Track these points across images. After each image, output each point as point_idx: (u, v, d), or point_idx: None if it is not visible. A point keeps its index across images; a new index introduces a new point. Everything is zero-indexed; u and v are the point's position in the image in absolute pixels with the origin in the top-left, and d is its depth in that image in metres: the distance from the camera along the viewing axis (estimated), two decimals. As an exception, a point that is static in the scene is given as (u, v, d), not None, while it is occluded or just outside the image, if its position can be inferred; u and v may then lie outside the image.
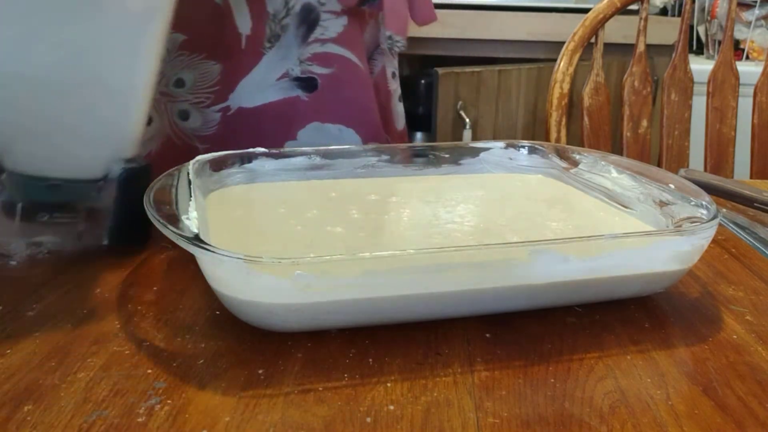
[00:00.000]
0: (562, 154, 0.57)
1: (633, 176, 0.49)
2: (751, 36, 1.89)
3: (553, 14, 1.61)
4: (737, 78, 1.11)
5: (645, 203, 0.46)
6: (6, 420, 0.29)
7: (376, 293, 0.34)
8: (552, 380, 0.32)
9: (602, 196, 0.50)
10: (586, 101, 1.07)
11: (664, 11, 1.86)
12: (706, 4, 1.94)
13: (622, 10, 1.05)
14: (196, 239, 0.34)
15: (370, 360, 0.34)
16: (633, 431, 0.29)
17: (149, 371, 0.32)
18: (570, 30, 1.05)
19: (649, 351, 0.35)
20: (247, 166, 0.53)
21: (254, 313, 0.35)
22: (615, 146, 1.11)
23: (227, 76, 0.66)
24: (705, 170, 1.09)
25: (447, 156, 0.57)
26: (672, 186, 0.46)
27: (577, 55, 1.04)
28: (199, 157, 0.50)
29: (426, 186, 0.55)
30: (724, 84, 1.11)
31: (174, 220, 0.37)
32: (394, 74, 0.80)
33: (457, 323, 0.37)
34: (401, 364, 0.33)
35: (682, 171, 0.63)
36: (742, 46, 1.90)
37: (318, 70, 0.68)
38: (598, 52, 1.06)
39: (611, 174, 0.51)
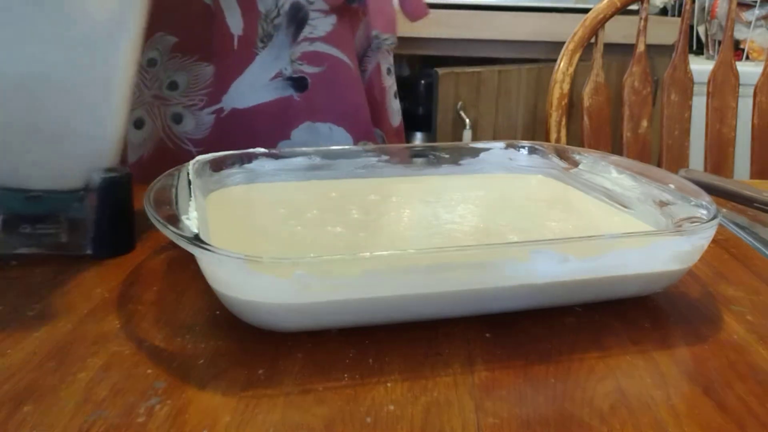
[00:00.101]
0: (562, 155, 0.57)
1: (633, 176, 0.49)
2: (751, 36, 1.89)
3: (553, 14, 1.61)
4: (737, 78, 1.11)
5: (645, 203, 0.46)
6: (6, 420, 0.29)
7: (376, 293, 0.34)
8: (552, 380, 0.32)
9: (602, 196, 0.50)
10: (586, 101, 1.07)
11: (664, 11, 1.86)
12: (706, 4, 1.94)
13: (622, 10, 1.05)
14: (196, 239, 0.34)
15: (370, 360, 0.34)
16: (633, 431, 0.29)
17: (149, 371, 0.32)
18: (570, 30, 1.05)
19: (649, 351, 0.35)
20: (247, 166, 0.53)
21: (254, 313, 0.35)
22: (615, 146, 1.11)
23: (220, 77, 0.66)
24: (705, 170, 1.10)
25: (447, 156, 0.57)
26: (672, 186, 0.46)
27: (577, 55, 1.04)
28: (199, 158, 0.50)
29: (426, 186, 0.55)
30: (724, 84, 1.11)
31: (174, 220, 0.37)
32: (389, 70, 0.80)
33: (457, 323, 0.37)
34: (401, 364, 0.33)
35: (682, 171, 0.63)
36: (742, 46, 1.90)
37: (308, 69, 0.68)
38: (598, 52, 1.06)
39: (611, 174, 0.51)
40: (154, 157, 0.67)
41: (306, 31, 0.68)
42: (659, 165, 1.09)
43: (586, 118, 1.07)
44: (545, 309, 0.39)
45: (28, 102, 0.42)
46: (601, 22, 1.04)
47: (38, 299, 0.40)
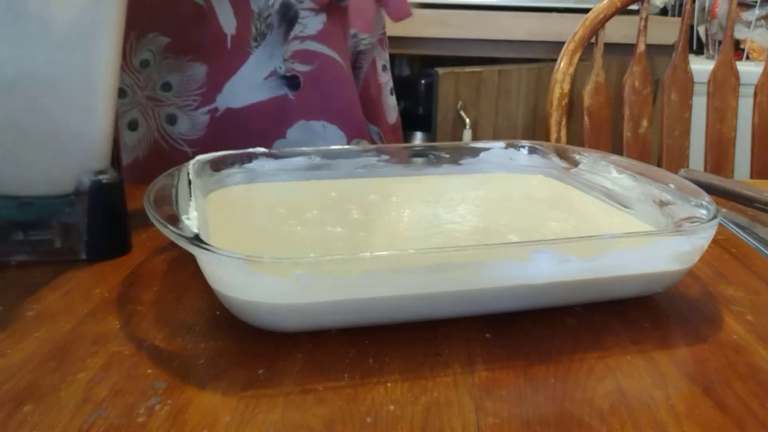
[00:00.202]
0: (562, 154, 0.57)
1: (633, 176, 0.49)
2: (751, 36, 1.88)
3: (553, 14, 1.61)
4: (737, 78, 1.11)
5: (645, 203, 0.46)
6: (6, 420, 0.29)
7: (376, 293, 0.34)
8: (552, 380, 0.32)
9: (602, 196, 0.50)
10: (587, 101, 1.07)
11: (664, 11, 1.85)
12: (706, 4, 1.93)
13: (622, 10, 1.05)
14: (196, 239, 0.34)
15: (370, 360, 0.34)
16: (633, 431, 0.29)
17: (149, 371, 0.32)
18: (570, 30, 1.05)
19: (649, 351, 0.35)
20: (247, 166, 0.53)
21: (254, 313, 0.35)
22: (615, 146, 1.11)
23: (214, 77, 0.66)
24: (705, 170, 1.10)
25: (447, 156, 0.57)
26: (672, 186, 0.46)
27: (578, 55, 1.04)
28: (198, 157, 0.50)
29: (426, 186, 0.55)
30: (724, 84, 1.11)
31: (174, 220, 0.37)
32: (384, 67, 0.80)
33: (457, 323, 0.37)
34: (401, 365, 0.33)
35: (682, 171, 0.63)
36: (742, 46, 1.90)
37: (300, 67, 0.68)
38: (598, 52, 1.06)
39: (611, 174, 0.51)
40: (149, 158, 0.67)
41: (296, 30, 0.68)
42: (659, 165, 1.09)
43: (586, 118, 1.07)
44: (545, 309, 0.39)
45: (12, 104, 0.42)
46: (602, 22, 1.04)
47: (38, 299, 0.40)
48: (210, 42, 0.65)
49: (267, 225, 0.46)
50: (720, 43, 1.18)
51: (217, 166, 0.51)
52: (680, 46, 1.09)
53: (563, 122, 1.04)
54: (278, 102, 0.68)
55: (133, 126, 0.67)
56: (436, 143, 0.85)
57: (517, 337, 0.36)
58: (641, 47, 1.07)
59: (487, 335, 0.36)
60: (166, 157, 0.67)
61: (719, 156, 1.11)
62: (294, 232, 0.45)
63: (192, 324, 0.37)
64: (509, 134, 1.58)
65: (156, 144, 0.67)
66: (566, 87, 1.03)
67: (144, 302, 0.39)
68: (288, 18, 0.67)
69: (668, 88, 1.09)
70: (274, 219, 0.47)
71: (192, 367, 0.33)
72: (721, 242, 0.51)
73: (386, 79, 0.81)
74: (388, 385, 0.32)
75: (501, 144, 0.58)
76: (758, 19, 1.88)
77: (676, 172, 0.58)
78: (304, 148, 0.55)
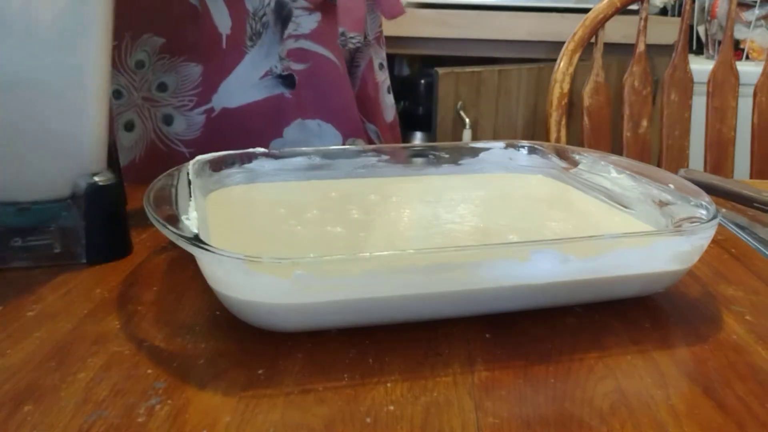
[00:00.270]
0: (562, 154, 0.57)
1: (633, 176, 0.49)
2: (751, 36, 1.88)
3: (553, 14, 1.61)
4: (737, 78, 1.11)
5: (645, 203, 0.46)
6: (6, 420, 0.29)
7: (376, 293, 0.34)
8: (552, 380, 0.32)
9: (602, 196, 0.50)
10: (586, 101, 1.07)
11: (664, 11, 1.86)
12: (706, 4, 1.93)
13: (622, 10, 1.05)
14: (196, 239, 0.34)
15: (370, 360, 0.34)
16: (633, 431, 0.29)
17: (149, 371, 0.32)
18: (570, 30, 1.05)
19: (649, 351, 0.35)
20: (247, 166, 0.53)
21: (254, 313, 0.35)
22: (615, 146, 1.11)
23: (209, 76, 0.66)
24: (705, 170, 1.10)
25: (447, 156, 0.57)
26: (672, 186, 0.46)
27: (577, 55, 1.04)
28: (198, 157, 0.50)
29: (426, 186, 0.55)
30: (724, 84, 1.11)
31: (174, 220, 0.37)
32: (381, 65, 0.80)
33: (457, 323, 0.37)
34: (401, 365, 0.33)
35: (682, 171, 0.63)
36: (742, 46, 1.90)
37: (295, 66, 0.68)
38: (598, 52, 1.06)
39: (611, 174, 0.51)
40: (146, 159, 0.67)
41: (290, 29, 0.68)
42: (659, 165, 1.09)
43: (586, 118, 1.07)
44: (545, 309, 0.39)
45: (1, 107, 0.42)
46: (601, 22, 1.04)
47: (38, 299, 0.40)
48: (205, 42, 0.65)
49: (267, 225, 0.46)
50: (720, 43, 1.18)
51: (216, 166, 0.51)
52: (680, 46, 1.09)
53: (563, 122, 1.04)
54: (274, 101, 0.68)
55: (129, 127, 0.67)
56: (436, 143, 0.85)
57: (517, 337, 0.36)
58: (641, 47, 1.07)
59: (487, 335, 0.36)
60: (162, 157, 0.67)
61: (719, 156, 1.11)
62: (294, 232, 0.45)
63: (192, 324, 0.37)
64: (509, 134, 1.58)
65: (152, 145, 0.67)
66: (566, 87, 1.03)
67: (144, 302, 0.39)
68: (282, 16, 0.67)
69: (668, 88, 1.09)
70: (274, 219, 0.47)
71: (192, 367, 0.33)
72: (720, 242, 0.51)
73: (383, 78, 0.81)
74: (388, 385, 0.32)
75: (501, 144, 0.58)
76: (758, 19, 1.88)
77: (676, 172, 0.58)
78: (303, 149, 0.55)
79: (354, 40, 0.72)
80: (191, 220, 0.37)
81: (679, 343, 0.36)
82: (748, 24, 1.89)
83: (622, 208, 0.48)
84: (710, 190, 0.50)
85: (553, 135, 1.04)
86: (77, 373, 0.32)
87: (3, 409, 0.29)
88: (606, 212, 0.48)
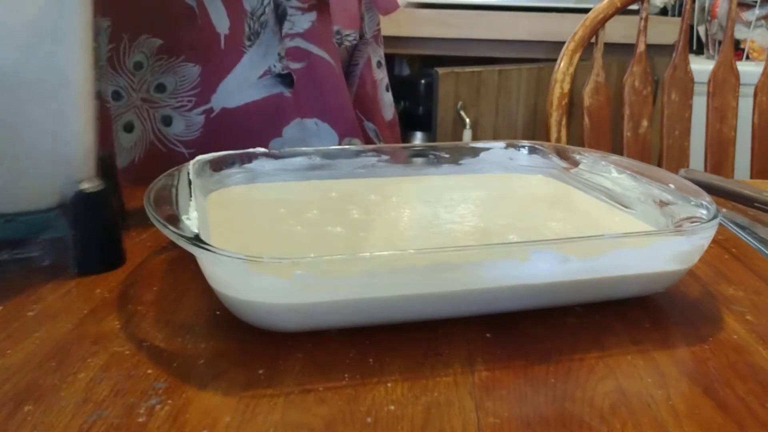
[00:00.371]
0: (562, 154, 0.57)
1: (633, 176, 0.49)
2: (751, 36, 1.88)
3: (553, 14, 1.61)
4: (737, 78, 1.11)
5: (645, 203, 0.46)
6: (6, 420, 0.29)
7: (376, 293, 0.34)
8: (552, 380, 0.32)
9: (602, 196, 0.50)
10: (587, 101, 1.07)
11: (664, 11, 1.85)
12: (706, 4, 1.93)
13: (622, 10, 1.05)
14: (197, 239, 0.34)
15: (371, 360, 0.34)
16: (633, 431, 0.29)
17: (149, 371, 0.32)
18: (570, 30, 1.05)
19: (649, 351, 0.35)
20: (247, 166, 0.53)
21: (254, 313, 0.35)
22: (615, 146, 1.11)
23: (208, 77, 0.66)
24: (705, 170, 1.10)
25: (447, 156, 0.57)
26: (672, 186, 0.46)
27: (578, 55, 1.04)
28: (199, 157, 0.50)
29: (426, 186, 0.55)
30: (724, 84, 1.11)
31: (174, 220, 0.37)
32: (379, 63, 0.80)
33: (458, 323, 0.37)
34: (401, 365, 0.33)
35: (682, 171, 0.63)
36: (742, 46, 1.90)
37: (293, 65, 0.68)
38: (598, 52, 1.06)
39: (611, 174, 0.51)
40: (145, 160, 0.67)
41: (286, 27, 0.68)
42: (659, 165, 1.09)
43: (586, 118, 1.07)
44: (546, 309, 0.39)
45: None
46: (602, 22, 1.04)
47: (38, 299, 0.40)
48: (203, 42, 0.65)
49: (267, 225, 0.46)
50: (720, 43, 1.18)
51: (217, 166, 0.51)
52: (680, 46, 1.09)
53: (563, 122, 1.04)
54: (274, 100, 0.68)
55: (128, 128, 0.67)
56: (436, 143, 0.85)
57: (517, 337, 0.36)
58: (641, 47, 1.07)
59: (488, 335, 0.36)
60: (162, 158, 0.67)
61: (719, 156, 1.11)
62: (294, 232, 0.45)
63: (192, 324, 0.37)
64: (509, 134, 1.58)
65: (152, 146, 0.67)
66: (566, 87, 1.03)
67: (144, 302, 0.39)
68: (278, 15, 0.67)
69: (668, 88, 1.09)
70: (274, 219, 0.47)
71: (192, 367, 0.33)
72: (721, 242, 0.51)
73: (381, 76, 0.81)
74: (389, 385, 0.32)
75: (501, 144, 0.58)
76: (758, 19, 1.88)
77: (676, 172, 0.58)
78: (304, 148, 0.55)
79: (350, 38, 0.72)
80: (192, 220, 0.37)
81: (680, 343, 0.36)
82: (748, 24, 1.89)
83: (622, 208, 0.48)
84: (711, 190, 0.50)
85: (554, 135, 1.04)
86: (77, 373, 0.32)
87: (3, 409, 0.29)
88: (606, 212, 0.48)
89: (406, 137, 1.67)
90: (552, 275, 0.36)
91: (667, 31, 1.48)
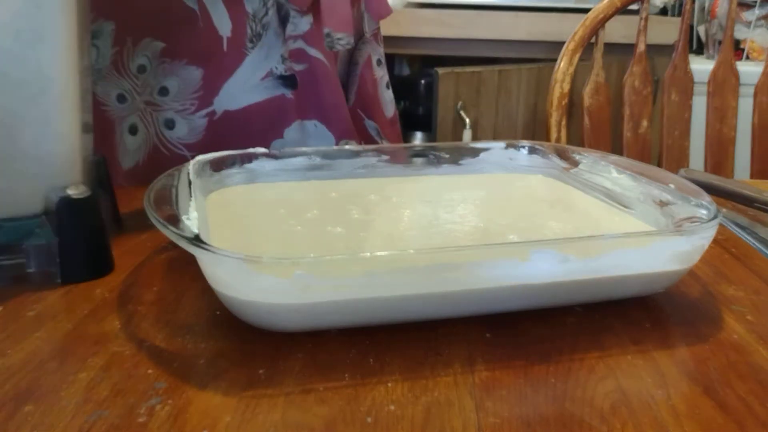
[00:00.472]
0: (562, 154, 0.57)
1: (633, 176, 0.49)
2: (751, 36, 1.89)
3: (553, 14, 1.61)
4: (737, 78, 1.11)
5: (645, 203, 0.46)
6: (6, 420, 0.29)
7: (376, 293, 0.34)
8: (552, 380, 0.32)
9: (602, 196, 0.50)
10: (587, 101, 1.07)
11: (664, 11, 1.85)
12: (706, 4, 1.93)
13: (622, 10, 1.05)
14: (197, 239, 0.34)
15: (371, 360, 0.34)
16: (634, 431, 0.29)
17: (150, 371, 0.32)
18: (570, 30, 1.05)
19: (649, 351, 0.35)
20: (247, 166, 0.53)
21: (254, 313, 0.35)
22: (615, 146, 1.11)
23: (210, 79, 0.66)
24: (705, 170, 1.10)
25: (447, 156, 0.57)
26: (672, 186, 0.46)
27: (578, 55, 1.04)
28: (199, 158, 0.50)
29: (426, 186, 0.55)
30: (724, 84, 1.11)
31: (174, 220, 0.37)
32: (379, 61, 0.81)
33: (458, 323, 0.37)
34: (402, 365, 0.33)
35: (682, 171, 0.63)
36: (742, 46, 1.90)
37: (296, 66, 0.69)
38: (598, 52, 1.06)
39: (611, 174, 0.51)
40: (148, 163, 0.68)
41: (289, 29, 0.68)
42: (659, 165, 1.09)
43: (586, 118, 1.07)
44: (545, 309, 0.39)
45: None
46: (602, 22, 1.04)
47: (38, 299, 0.40)
48: (205, 45, 0.65)
49: (267, 225, 0.46)
50: (720, 43, 1.18)
51: (217, 166, 0.51)
52: (680, 46, 1.09)
53: (563, 122, 1.04)
54: (276, 102, 0.68)
55: (133, 131, 0.67)
56: (436, 143, 0.85)
57: (517, 337, 0.36)
58: (641, 47, 1.07)
59: (488, 335, 0.36)
60: (165, 161, 0.67)
61: (719, 156, 1.11)
62: (294, 232, 0.45)
63: (192, 324, 0.37)
64: (509, 134, 1.58)
65: (155, 149, 0.68)
66: (566, 87, 1.03)
67: (144, 302, 0.39)
68: (281, 17, 0.67)
69: (668, 88, 1.09)
70: (274, 219, 0.47)
71: (192, 367, 0.33)
72: (721, 242, 0.51)
73: (381, 74, 0.81)
74: (389, 385, 0.32)
75: (501, 144, 0.58)
76: (758, 19, 1.88)
77: (676, 172, 0.58)
78: (304, 149, 0.55)
79: (342, 42, 0.72)
80: (192, 220, 0.37)
81: (680, 343, 0.36)
82: (748, 24, 1.89)
83: (622, 208, 0.48)
84: (710, 190, 0.50)
85: (554, 135, 1.04)
86: (77, 373, 0.32)
87: (3, 409, 0.29)
88: (606, 212, 0.48)
89: (406, 137, 1.67)
90: (552, 275, 0.36)
91: (667, 31, 1.48)
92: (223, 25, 0.66)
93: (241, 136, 0.67)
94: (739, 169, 1.13)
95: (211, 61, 0.66)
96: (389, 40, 0.86)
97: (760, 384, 0.32)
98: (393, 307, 0.35)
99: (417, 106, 1.72)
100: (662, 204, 0.45)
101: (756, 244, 0.51)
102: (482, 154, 0.58)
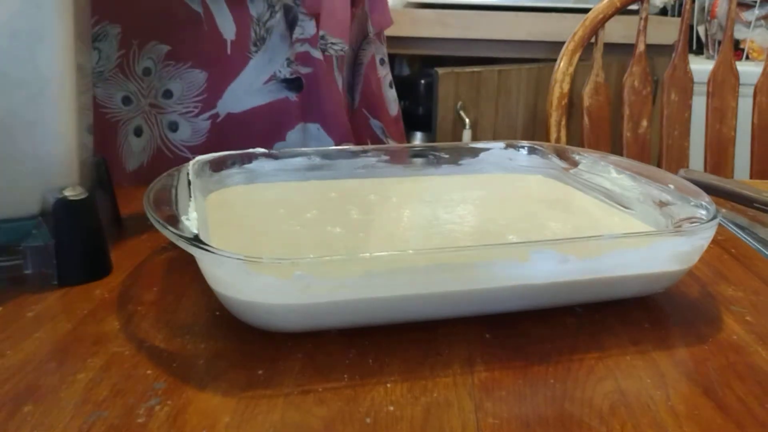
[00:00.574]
0: (561, 155, 0.57)
1: (633, 176, 0.49)
2: (751, 36, 1.89)
3: (553, 14, 1.61)
4: (737, 78, 1.11)
5: (645, 203, 0.46)
6: (6, 420, 0.29)
7: (376, 294, 0.34)
8: (552, 381, 0.32)
9: (602, 196, 0.50)
10: (586, 101, 1.07)
11: (664, 11, 1.85)
12: (706, 4, 1.93)
13: (622, 10, 1.05)
14: (196, 240, 0.34)
15: (370, 361, 0.34)
16: (633, 431, 0.29)
17: (149, 372, 0.32)
18: (570, 30, 1.05)
19: (649, 351, 0.35)
20: (247, 166, 0.53)
21: (254, 314, 0.35)
22: (615, 146, 1.11)
23: (214, 82, 0.67)
24: (705, 170, 1.09)
25: (447, 156, 0.57)
26: (672, 186, 0.46)
27: (577, 55, 1.04)
28: (198, 158, 0.50)
29: (426, 186, 0.55)
30: (724, 84, 1.11)
31: (174, 220, 0.37)
32: (382, 61, 0.81)
33: (457, 324, 0.37)
34: (401, 365, 0.33)
35: (681, 171, 0.63)
36: (742, 46, 1.90)
37: (302, 69, 0.69)
38: (598, 52, 1.06)
39: (611, 174, 0.51)
40: (152, 165, 0.68)
41: (297, 32, 0.68)
42: (659, 165, 1.09)
43: (586, 118, 1.07)
44: (545, 309, 0.39)
45: None
46: (601, 22, 1.04)
47: (38, 299, 0.40)
48: (209, 48, 0.66)
49: (267, 225, 0.46)
50: (720, 43, 1.18)
51: (216, 166, 0.51)
52: (680, 46, 1.09)
53: (563, 122, 1.04)
54: (279, 105, 0.69)
55: (138, 132, 0.68)
56: (436, 143, 0.85)
57: (516, 337, 0.36)
58: (641, 47, 1.07)
59: (487, 335, 0.36)
60: (168, 163, 0.67)
61: (719, 156, 1.11)
62: (294, 232, 0.45)
63: (192, 324, 0.37)
64: (509, 134, 1.58)
65: (159, 151, 0.68)
66: (566, 87, 1.03)
67: (144, 302, 0.39)
68: (289, 20, 0.68)
69: (668, 88, 1.09)
70: (274, 219, 0.47)
71: (192, 367, 0.33)
72: (720, 242, 0.51)
73: (385, 73, 0.82)
74: (388, 385, 0.32)
75: (501, 144, 0.58)
76: (758, 19, 1.88)
77: (675, 172, 0.58)
78: (303, 149, 0.55)
79: (336, 47, 0.72)
80: (191, 221, 0.37)
81: (679, 344, 0.36)
82: (748, 24, 1.89)
83: (622, 208, 0.48)
84: (710, 190, 0.50)
85: (553, 135, 1.04)
86: (77, 373, 0.32)
87: (3, 410, 0.29)
88: (606, 212, 0.48)
89: (406, 137, 1.67)
90: (552, 275, 0.36)
91: (667, 31, 1.48)
92: (228, 29, 0.66)
93: (244, 138, 0.68)
94: (738, 170, 1.13)
95: (215, 65, 0.66)
96: (389, 40, 0.86)
97: (760, 384, 0.32)
98: (392, 307, 0.35)
99: (417, 106, 1.72)
100: (662, 204, 0.45)
101: (755, 244, 0.51)
102: (482, 155, 0.58)
